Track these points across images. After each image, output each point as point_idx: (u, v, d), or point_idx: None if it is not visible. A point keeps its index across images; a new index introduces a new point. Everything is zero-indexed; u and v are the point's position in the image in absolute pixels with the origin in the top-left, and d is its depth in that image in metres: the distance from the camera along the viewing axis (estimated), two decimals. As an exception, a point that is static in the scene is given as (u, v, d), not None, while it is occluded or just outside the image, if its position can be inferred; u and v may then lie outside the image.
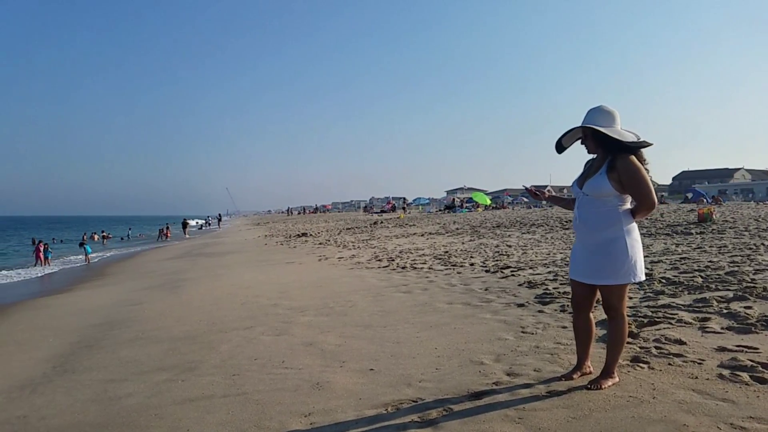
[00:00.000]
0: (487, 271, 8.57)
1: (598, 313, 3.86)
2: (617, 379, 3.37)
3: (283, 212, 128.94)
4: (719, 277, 6.36)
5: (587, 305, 3.50)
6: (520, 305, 5.81)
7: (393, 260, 11.58)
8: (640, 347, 3.99)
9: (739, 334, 4.14)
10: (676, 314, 4.78)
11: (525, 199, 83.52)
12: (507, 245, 12.96)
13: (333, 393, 3.60)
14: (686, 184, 76.78)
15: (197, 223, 63.94)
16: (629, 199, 3.30)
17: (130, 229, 53.87)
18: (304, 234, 24.38)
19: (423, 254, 12.33)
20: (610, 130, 3.29)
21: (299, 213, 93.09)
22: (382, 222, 32.17)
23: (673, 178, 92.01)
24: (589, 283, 3.38)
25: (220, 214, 59.46)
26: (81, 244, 24.93)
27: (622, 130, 3.37)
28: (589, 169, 3.44)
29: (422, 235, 19.49)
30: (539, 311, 5.46)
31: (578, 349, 3.60)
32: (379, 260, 11.78)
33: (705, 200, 38.29)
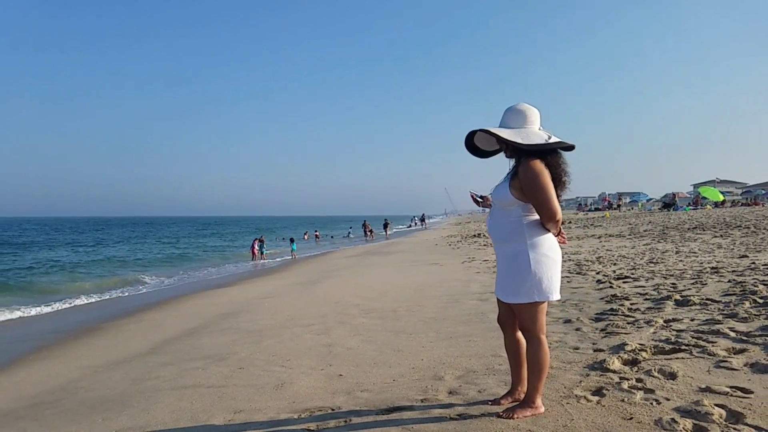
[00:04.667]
0: (598, 282, 7.77)
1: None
2: (540, 410, 3.00)
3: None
4: None
5: (510, 323, 3.16)
6: (567, 321, 5.28)
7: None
8: (620, 378, 3.43)
9: (757, 373, 3.27)
10: (714, 342, 3.92)
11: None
12: (675, 251, 11.43)
13: (281, 394, 3.84)
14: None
15: (413, 221, 67.08)
16: None
17: (350, 227, 58.91)
18: (478, 235, 24.30)
19: (567, 259, 11.51)
20: (513, 132, 2.93)
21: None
22: (571, 221, 30.32)
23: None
24: (502, 300, 3.09)
25: (423, 214, 61.92)
26: (291, 241, 28.41)
27: (537, 131, 2.98)
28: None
29: (599, 238, 18.04)
30: (577, 329, 4.91)
31: (511, 372, 3.27)
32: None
33: None
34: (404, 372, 4.09)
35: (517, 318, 3.04)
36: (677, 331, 4.40)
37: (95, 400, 4.27)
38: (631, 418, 2.82)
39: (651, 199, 70.52)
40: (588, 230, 22.31)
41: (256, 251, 25.81)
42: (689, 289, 6.21)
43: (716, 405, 2.86)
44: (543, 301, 2.91)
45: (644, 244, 14.05)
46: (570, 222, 29.20)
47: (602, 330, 4.75)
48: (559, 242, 3.16)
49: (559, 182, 2.97)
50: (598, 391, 3.26)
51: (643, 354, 3.85)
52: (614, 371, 3.59)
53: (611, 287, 6.99)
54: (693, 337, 4.12)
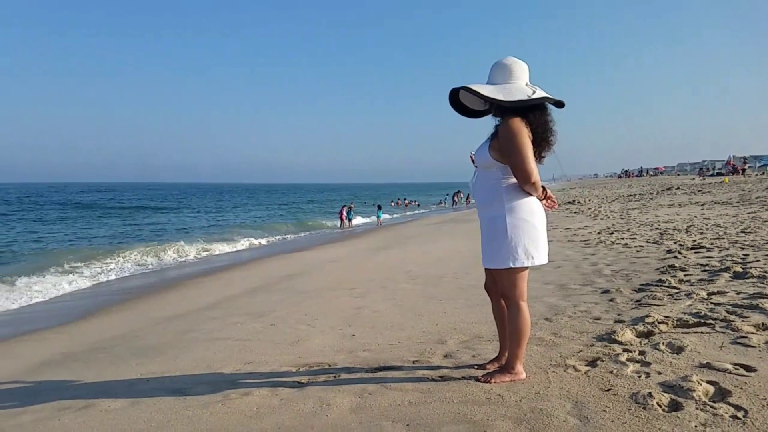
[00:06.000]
0: (668, 252, 7.24)
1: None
2: (521, 377, 2.94)
3: (611, 176, 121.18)
4: None
5: (495, 290, 3.09)
6: (605, 291, 5.02)
7: (613, 234, 10.50)
8: (624, 350, 3.26)
9: (773, 351, 2.98)
10: (746, 318, 3.58)
11: None
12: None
13: (293, 350, 4.03)
14: None
15: None
16: None
17: (447, 194, 58.61)
18: (572, 201, 23.20)
19: (655, 228, 10.79)
20: (495, 88, 2.79)
21: (620, 177, 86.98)
22: (679, 187, 28.06)
23: None
24: (484, 266, 3.02)
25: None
26: (378, 208, 28.97)
27: (523, 86, 2.81)
28: None
29: (702, 205, 16.61)
30: (611, 300, 4.66)
31: (499, 338, 3.22)
32: (599, 233, 10.76)
33: None
34: (413, 335, 4.13)
35: (498, 284, 2.97)
36: (714, 304, 4.07)
37: (141, 347, 4.72)
38: (608, 390, 2.70)
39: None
40: (694, 197, 20.60)
41: (344, 217, 26.56)
42: (758, 261, 5.65)
43: (707, 381, 2.66)
44: (520, 267, 2.81)
45: (749, 213, 12.77)
46: (677, 188, 27.01)
47: (637, 301, 4.49)
48: (546, 207, 3.03)
49: (543, 141, 2.84)
50: (592, 362, 3.14)
51: (662, 327, 3.61)
52: (620, 343, 3.42)
53: (676, 257, 6.51)
54: (727, 312, 3.80)
